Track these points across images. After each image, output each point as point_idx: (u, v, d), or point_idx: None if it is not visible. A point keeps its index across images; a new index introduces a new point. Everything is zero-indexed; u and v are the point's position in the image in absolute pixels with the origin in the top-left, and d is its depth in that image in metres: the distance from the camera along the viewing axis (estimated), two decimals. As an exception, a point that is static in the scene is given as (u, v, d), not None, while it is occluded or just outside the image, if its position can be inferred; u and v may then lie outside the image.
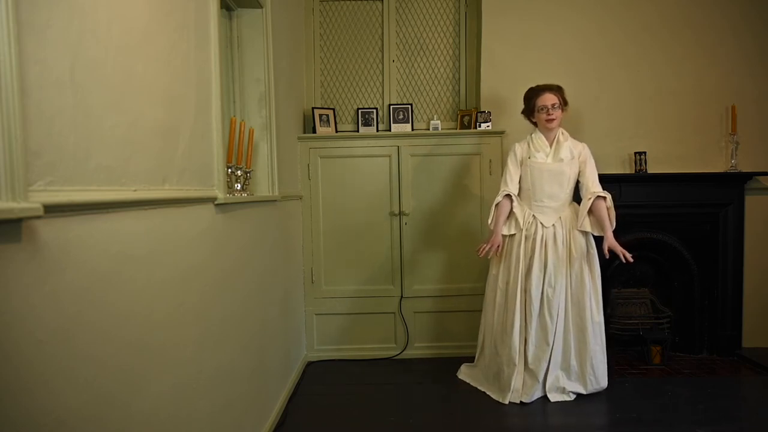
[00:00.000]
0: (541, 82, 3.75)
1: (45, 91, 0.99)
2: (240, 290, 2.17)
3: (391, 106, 3.89)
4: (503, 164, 3.65)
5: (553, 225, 2.99)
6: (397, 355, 3.70)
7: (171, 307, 1.50)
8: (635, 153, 3.73)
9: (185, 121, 1.65)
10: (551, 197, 3.01)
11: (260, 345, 2.46)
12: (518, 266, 2.97)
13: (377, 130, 3.86)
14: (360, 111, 3.88)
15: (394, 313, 3.71)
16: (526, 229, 3.00)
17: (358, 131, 3.85)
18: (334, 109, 3.88)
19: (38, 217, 0.91)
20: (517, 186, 3.10)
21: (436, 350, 3.70)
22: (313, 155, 3.65)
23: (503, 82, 3.78)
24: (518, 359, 2.92)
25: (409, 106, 3.88)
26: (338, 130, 3.92)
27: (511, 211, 3.04)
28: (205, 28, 1.86)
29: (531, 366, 2.93)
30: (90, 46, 1.14)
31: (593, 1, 3.76)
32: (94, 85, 1.15)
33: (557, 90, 3.06)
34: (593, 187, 2.97)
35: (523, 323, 2.95)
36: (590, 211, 2.94)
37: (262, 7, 2.62)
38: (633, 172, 3.75)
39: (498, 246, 3.02)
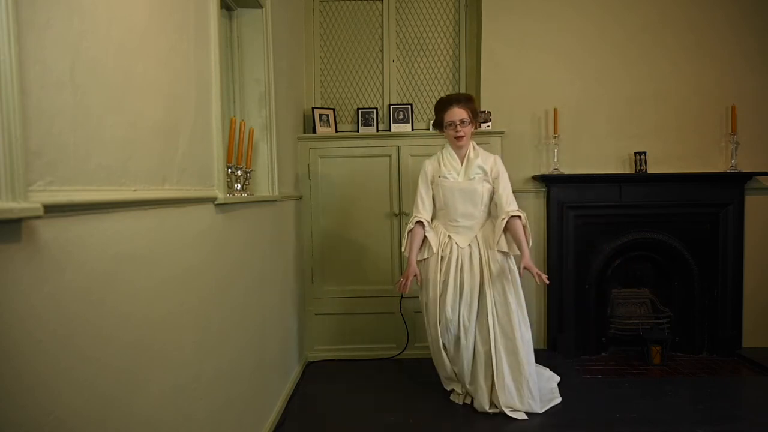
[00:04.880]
0: (540, 82, 3.79)
1: (45, 91, 0.98)
2: (240, 290, 2.16)
3: (391, 106, 3.89)
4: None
5: (469, 245, 2.86)
6: (397, 355, 3.70)
7: (171, 307, 1.50)
8: (635, 153, 3.73)
9: (185, 121, 1.65)
10: (465, 216, 2.88)
11: (260, 345, 2.46)
12: (436, 289, 2.85)
13: (377, 130, 3.86)
14: (360, 111, 3.88)
15: (394, 313, 3.70)
16: (442, 250, 2.87)
17: (358, 131, 3.85)
18: (334, 109, 3.88)
19: (38, 217, 0.90)
20: (431, 208, 2.96)
21: (436, 350, 3.69)
22: (313, 155, 3.65)
23: (503, 82, 3.79)
24: (453, 375, 2.93)
25: (409, 106, 3.88)
26: (338, 130, 3.92)
27: (424, 237, 2.90)
28: (205, 28, 1.86)
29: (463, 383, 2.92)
30: (90, 46, 1.14)
31: (593, 1, 3.76)
32: (94, 85, 1.15)
33: (466, 102, 2.87)
34: (507, 205, 2.81)
35: (446, 346, 2.88)
36: (506, 230, 2.81)
37: (262, 7, 2.62)
38: (633, 172, 3.75)
39: (415, 275, 2.87)
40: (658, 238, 3.72)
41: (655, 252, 3.81)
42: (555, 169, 3.72)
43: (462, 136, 2.86)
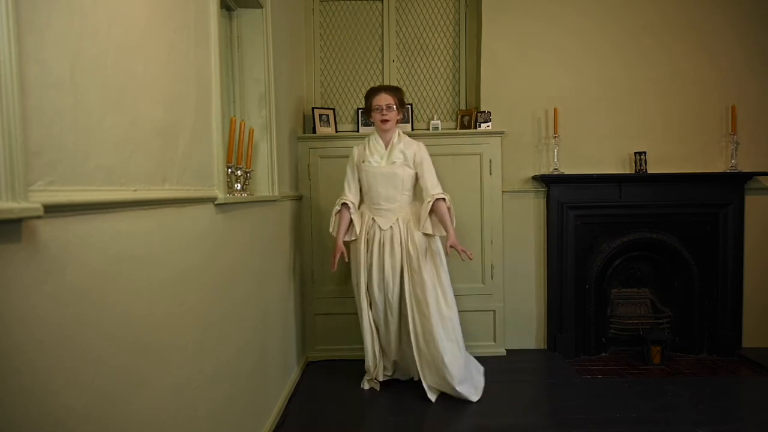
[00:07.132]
0: (540, 82, 3.79)
1: (45, 91, 0.99)
2: (240, 290, 2.17)
3: (391, 106, 3.88)
4: (501, 164, 3.67)
5: (391, 227, 3.01)
6: (397, 355, 3.69)
7: (171, 306, 1.50)
8: (635, 153, 3.73)
9: (185, 121, 1.65)
10: (387, 199, 3.02)
11: (260, 345, 2.46)
12: (361, 270, 3.03)
13: (377, 130, 3.85)
14: (360, 111, 3.88)
15: (394, 313, 3.70)
16: (366, 233, 3.04)
17: (358, 131, 3.85)
18: (334, 109, 3.88)
19: (38, 217, 0.91)
20: (357, 191, 3.12)
21: (436, 350, 3.69)
22: (313, 155, 3.65)
23: (503, 82, 3.79)
24: (379, 357, 3.13)
25: (409, 106, 3.88)
26: (338, 130, 3.92)
27: (351, 219, 3.08)
28: (205, 28, 1.86)
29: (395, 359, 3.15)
30: (90, 46, 1.14)
31: (593, 1, 3.76)
32: (94, 85, 1.15)
33: (394, 91, 3.05)
34: (432, 189, 2.95)
35: (374, 325, 3.09)
36: (432, 213, 2.95)
37: (262, 7, 2.62)
38: (633, 172, 3.75)
39: (342, 253, 3.05)
40: (658, 238, 3.72)
41: (655, 252, 3.81)
42: (555, 169, 3.72)
43: (387, 120, 3.00)
